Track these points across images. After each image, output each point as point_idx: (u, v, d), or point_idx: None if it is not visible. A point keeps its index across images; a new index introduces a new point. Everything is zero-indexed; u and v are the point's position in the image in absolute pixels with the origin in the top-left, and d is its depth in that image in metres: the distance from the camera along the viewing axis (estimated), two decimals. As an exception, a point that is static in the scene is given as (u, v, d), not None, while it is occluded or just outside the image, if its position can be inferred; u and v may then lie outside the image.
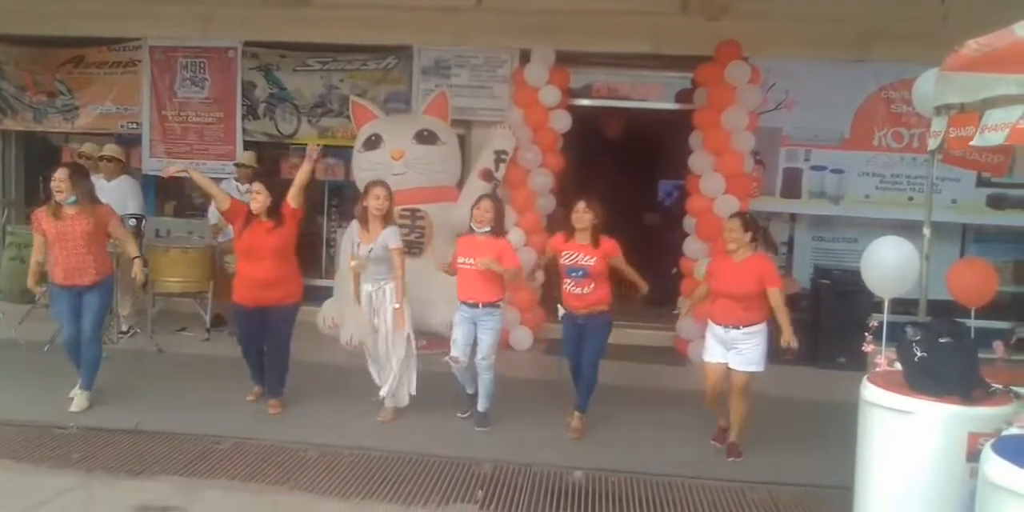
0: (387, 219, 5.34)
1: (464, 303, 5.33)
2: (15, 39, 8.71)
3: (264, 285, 5.28)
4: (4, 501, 4.19)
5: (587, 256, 5.16)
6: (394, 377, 5.40)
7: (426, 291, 6.63)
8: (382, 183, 5.41)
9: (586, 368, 5.31)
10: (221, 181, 7.95)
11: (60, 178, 5.20)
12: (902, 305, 4.81)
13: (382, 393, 5.46)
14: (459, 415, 5.51)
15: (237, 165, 8.00)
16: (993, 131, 3.34)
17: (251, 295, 5.33)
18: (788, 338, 4.80)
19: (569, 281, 5.21)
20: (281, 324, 5.44)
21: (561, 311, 5.39)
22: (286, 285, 5.37)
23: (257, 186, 5.37)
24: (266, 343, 5.49)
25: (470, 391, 5.50)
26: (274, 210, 5.32)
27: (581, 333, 5.31)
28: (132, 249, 5.60)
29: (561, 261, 5.23)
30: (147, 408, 5.43)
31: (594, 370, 5.33)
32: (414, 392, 5.51)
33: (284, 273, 5.34)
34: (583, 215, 5.18)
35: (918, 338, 3.69)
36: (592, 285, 5.19)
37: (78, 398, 5.43)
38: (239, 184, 7.69)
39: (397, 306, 5.26)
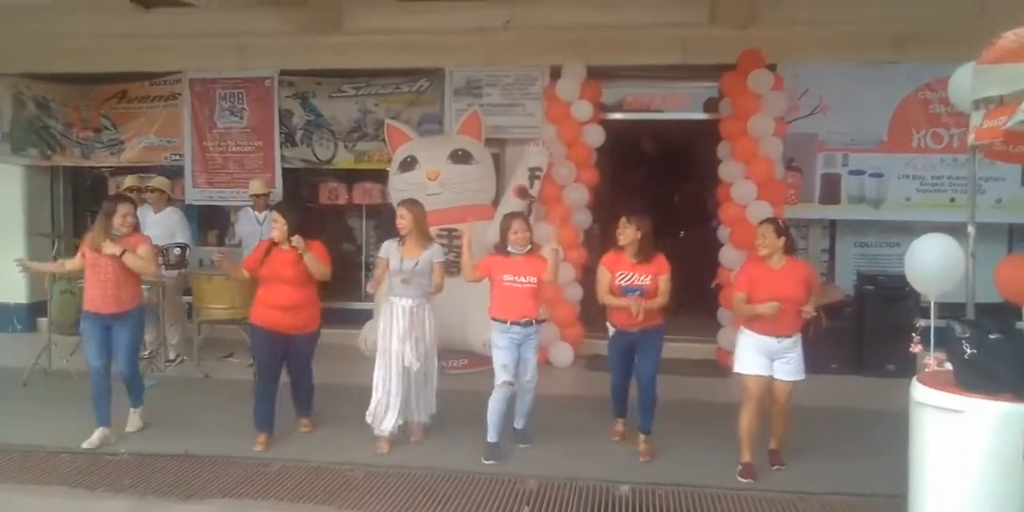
0: (424, 236, 5.31)
1: (515, 323, 5.06)
2: (61, 77, 8.98)
3: (283, 309, 5.24)
4: (59, 526, 4.29)
5: (642, 275, 5.02)
6: (424, 396, 5.38)
7: (465, 310, 6.64)
8: (404, 202, 5.39)
9: (646, 386, 5.11)
10: (241, 209, 8.14)
11: (129, 212, 5.35)
12: (949, 310, 4.68)
13: (387, 425, 5.25)
14: (485, 461, 5.05)
15: (251, 196, 8.08)
16: None
17: (270, 317, 5.27)
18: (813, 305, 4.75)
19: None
20: (302, 355, 5.46)
21: (612, 330, 5.13)
22: (305, 310, 5.33)
23: (274, 214, 5.36)
24: (289, 372, 5.51)
25: (493, 438, 5.14)
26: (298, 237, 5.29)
27: (633, 349, 5.13)
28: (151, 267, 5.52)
29: (616, 282, 5.02)
30: (195, 434, 5.52)
31: (653, 387, 5.11)
32: (434, 411, 5.51)
33: (303, 299, 5.28)
34: (625, 230, 5.07)
35: (967, 335, 3.60)
36: (647, 302, 5.00)
37: (132, 418, 5.62)
38: (256, 213, 7.91)
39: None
